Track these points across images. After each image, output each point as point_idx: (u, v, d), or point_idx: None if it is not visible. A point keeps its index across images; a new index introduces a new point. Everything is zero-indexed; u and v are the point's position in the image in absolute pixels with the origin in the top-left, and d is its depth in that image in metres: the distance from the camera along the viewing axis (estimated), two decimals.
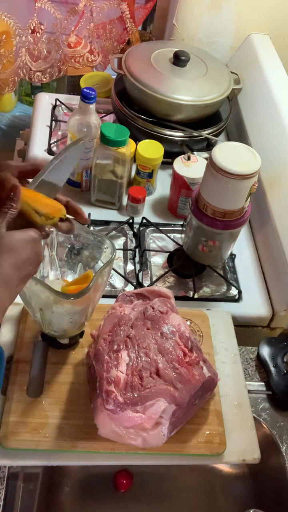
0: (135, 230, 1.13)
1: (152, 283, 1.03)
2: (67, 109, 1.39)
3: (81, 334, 0.86)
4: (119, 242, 1.12)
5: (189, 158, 1.12)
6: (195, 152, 1.18)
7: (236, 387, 0.87)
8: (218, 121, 1.26)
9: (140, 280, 1.04)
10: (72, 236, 0.80)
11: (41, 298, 0.71)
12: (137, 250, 1.09)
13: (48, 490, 0.90)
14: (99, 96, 1.32)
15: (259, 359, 0.95)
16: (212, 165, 0.86)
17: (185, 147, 1.21)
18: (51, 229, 0.63)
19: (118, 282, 1.04)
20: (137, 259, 1.08)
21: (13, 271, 0.56)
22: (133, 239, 1.12)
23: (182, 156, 1.13)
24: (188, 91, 1.18)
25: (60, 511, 0.91)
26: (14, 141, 1.53)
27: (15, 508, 0.82)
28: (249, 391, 0.88)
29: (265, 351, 0.95)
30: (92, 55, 1.44)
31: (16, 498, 0.83)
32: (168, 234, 1.12)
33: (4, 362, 0.83)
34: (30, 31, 1.32)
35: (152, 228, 1.14)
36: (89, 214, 1.13)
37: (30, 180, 0.61)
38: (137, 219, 1.14)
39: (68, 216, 0.64)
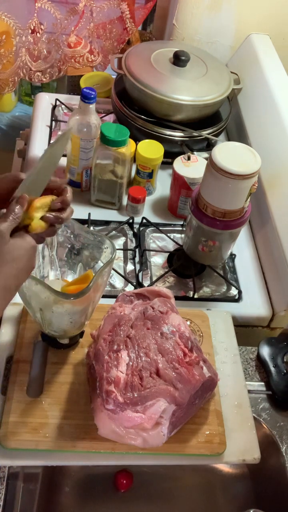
0: (135, 230, 1.13)
1: (152, 283, 1.03)
2: (67, 109, 1.39)
3: (81, 334, 0.86)
4: (119, 242, 1.12)
5: (189, 158, 1.12)
6: (195, 152, 1.18)
7: (236, 387, 0.87)
8: (218, 121, 1.26)
9: (140, 280, 1.04)
10: (72, 236, 0.80)
11: (41, 298, 0.71)
12: (137, 250, 1.09)
13: (48, 490, 0.90)
14: (99, 96, 1.32)
15: (259, 359, 0.95)
16: (212, 165, 0.86)
17: (185, 147, 1.21)
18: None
19: (118, 282, 1.04)
20: (137, 259, 1.08)
21: (13, 280, 0.56)
22: (133, 239, 1.12)
23: (182, 156, 1.13)
24: (188, 91, 1.18)
25: (60, 511, 0.91)
26: (14, 141, 1.53)
27: (15, 508, 0.82)
28: (249, 391, 0.88)
29: (265, 351, 0.95)
30: (92, 55, 1.44)
31: (16, 498, 0.83)
32: (168, 234, 1.12)
33: None
34: (30, 31, 1.32)
35: (152, 228, 1.14)
36: (89, 214, 1.13)
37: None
38: (137, 219, 1.14)
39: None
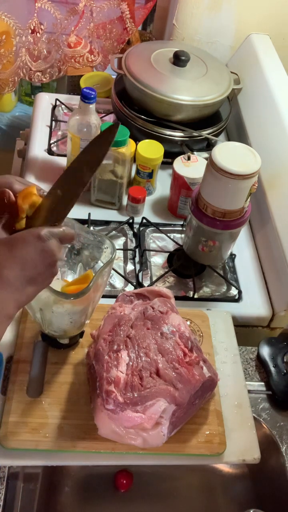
0: (135, 230, 1.13)
1: (152, 283, 1.03)
2: (67, 109, 1.39)
3: (81, 334, 0.86)
4: (119, 242, 1.12)
5: (189, 158, 1.12)
6: (195, 152, 1.18)
7: (236, 387, 0.87)
8: (218, 121, 1.26)
9: (140, 280, 1.04)
10: None
11: (41, 298, 0.71)
12: (137, 250, 1.09)
13: (48, 490, 0.90)
14: (99, 96, 1.32)
15: (259, 359, 0.96)
16: (212, 165, 0.86)
17: (185, 147, 1.21)
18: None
19: (118, 282, 1.04)
20: (137, 259, 1.08)
21: (13, 273, 0.54)
22: (133, 239, 1.12)
23: (182, 156, 1.13)
24: (188, 91, 1.18)
25: (60, 511, 0.91)
26: (14, 141, 1.53)
27: (15, 508, 0.82)
28: (249, 391, 0.88)
29: (265, 351, 0.95)
30: (92, 55, 1.44)
31: (16, 498, 0.83)
32: (168, 234, 1.12)
33: (2, 365, 0.83)
34: (30, 31, 1.32)
35: (152, 228, 1.14)
36: (89, 214, 1.13)
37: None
38: (137, 219, 1.14)
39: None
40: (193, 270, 1.05)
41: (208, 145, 1.23)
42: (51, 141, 1.29)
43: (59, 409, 0.78)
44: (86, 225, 1.08)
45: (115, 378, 0.71)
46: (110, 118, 1.37)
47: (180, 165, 1.11)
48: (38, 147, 1.27)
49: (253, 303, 1.04)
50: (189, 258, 1.04)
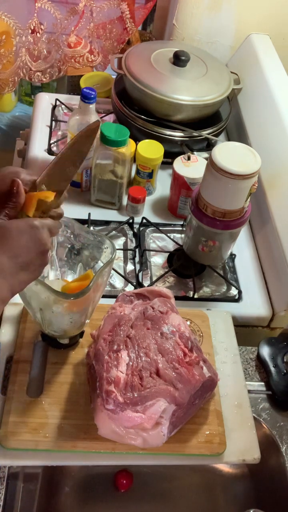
0: (135, 230, 1.13)
1: (152, 283, 1.03)
2: (67, 109, 1.39)
3: (81, 334, 0.86)
4: (119, 242, 1.12)
5: (189, 158, 1.12)
6: (195, 152, 1.18)
7: (236, 387, 0.87)
8: (218, 121, 1.26)
9: (140, 280, 1.04)
10: (72, 236, 0.80)
11: (41, 298, 0.71)
12: (137, 250, 1.09)
13: (48, 490, 0.90)
14: (99, 96, 1.32)
15: (259, 359, 0.96)
16: (212, 165, 0.86)
17: (185, 147, 1.21)
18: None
19: (118, 282, 1.04)
20: (137, 259, 1.08)
21: (7, 258, 0.55)
22: (133, 239, 1.12)
23: (182, 156, 1.13)
24: (188, 91, 1.18)
25: (60, 511, 0.91)
26: (14, 141, 1.53)
27: (15, 508, 0.82)
28: (249, 391, 0.88)
29: (265, 351, 0.95)
30: (92, 55, 1.44)
31: (16, 498, 0.83)
32: (168, 234, 1.12)
33: None
34: (30, 31, 1.32)
35: (152, 228, 1.14)
36: (89, 214, 1.13)
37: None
38: (137, 219, 1.14)
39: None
40: (193, 270, 1.05)
41: (208, 145, 1.23)
42: (51, 141, 1.29)
43: (59, 409, 0.78)
44: (86, 225, 1.08)
45: (115, 378, 0.71)
46: (110, 118, 1.37)
47: (180, 165, 1.11)
48: (38, 147, 1.27)
49: (253, 303, 1.04)
50: (189, 258, 1.04)
